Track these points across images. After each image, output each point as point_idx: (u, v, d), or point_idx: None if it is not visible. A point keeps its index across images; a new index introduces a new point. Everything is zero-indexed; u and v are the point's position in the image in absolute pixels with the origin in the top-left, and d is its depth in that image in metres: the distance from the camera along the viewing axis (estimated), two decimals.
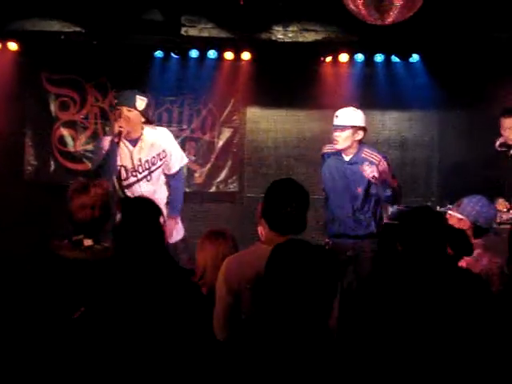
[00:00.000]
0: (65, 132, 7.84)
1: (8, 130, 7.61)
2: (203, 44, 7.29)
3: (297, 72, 7.59)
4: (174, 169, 5.51)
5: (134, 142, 5.28)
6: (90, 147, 7.75)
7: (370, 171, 5.49)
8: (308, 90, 7.59)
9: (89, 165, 7.70)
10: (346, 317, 3.05)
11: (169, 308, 2.80)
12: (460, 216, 4.33)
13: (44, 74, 7.72)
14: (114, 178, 5.25)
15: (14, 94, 7.54)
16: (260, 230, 3.28)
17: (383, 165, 5.50)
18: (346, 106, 5.78)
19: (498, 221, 5.43)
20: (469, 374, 2.84)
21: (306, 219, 3.20)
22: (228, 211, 7.87)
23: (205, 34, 6.84)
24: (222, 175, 8.01)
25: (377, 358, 2.80)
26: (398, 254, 3.17)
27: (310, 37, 6.80)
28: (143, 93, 5.42)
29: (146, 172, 5.29)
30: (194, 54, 7.55)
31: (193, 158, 7.81)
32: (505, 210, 5.78)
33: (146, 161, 5.30)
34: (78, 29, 6.91)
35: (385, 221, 5.87)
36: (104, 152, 5.11)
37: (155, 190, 5.35)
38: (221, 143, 7.98)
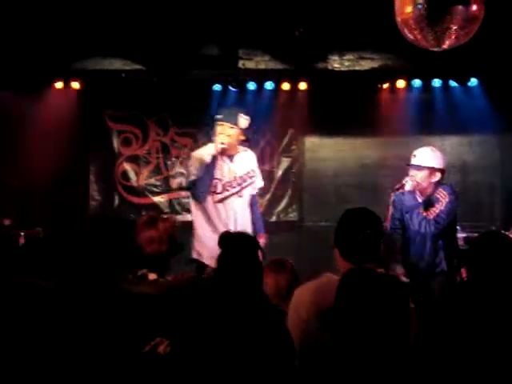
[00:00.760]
0: (128, 167, 8.00)
1: (72, 167, 7.82)
2: (260, 76, 7.39)
3: (354, 100, 7.61)
4: (255, 191, 5.56)
5: (231, 158, 5.34)
6: (152, 181, 7.89)
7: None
8: (365, 117, 7.59)
9: (152, 199, 7.86)
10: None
11: (255, 349, 2.77)
12: None
13: (106, 111, 7.94)
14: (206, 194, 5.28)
15: (78, 132, 7.75)
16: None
17: (444, 201, 5.38)
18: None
19: None
20: None
21: (380, 248, 3.14)
22: (288, 240, 7.88)
23: (261, 66, 6.94)
24: (282, 204, 8.04)
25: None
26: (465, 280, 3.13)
27: (366, 65, 6.83)
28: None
29: (239, 188, 5.32)
30: (251, 86, 7.66)
31: None
32: None
33: (240, 177, 5.33)
34: (138, 66, 7.09)
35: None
36: (204, 167, 5.16)
37: (244, 206, 5.38)
38: (280, 173, 8.03)
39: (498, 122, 7.48)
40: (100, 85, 7.63)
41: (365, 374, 2.24)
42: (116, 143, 8.01)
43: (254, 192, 5.54)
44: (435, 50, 4.99)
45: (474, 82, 7.45)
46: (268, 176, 7.98)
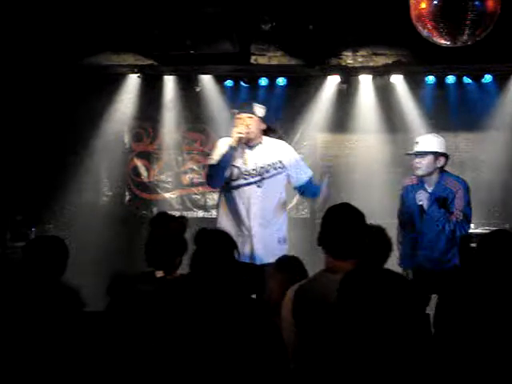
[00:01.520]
0: (139, 163, 8.00)
1: (83, 163, 7.83)
2: (273, 72, 7.36)
3: (366, 96, 7.59)
4: (301, 181, 5.46)
5: (252, 147, 5.30)
6: (163, 177, 7.88)
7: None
8: (378, 113, 7.57)
9: (163, 195, 7.85)
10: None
11: (234, 341, 2.77)
12: None
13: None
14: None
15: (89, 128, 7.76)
16: None
17: (460, 193, 5.36)
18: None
19: None
20: None
21: (362, 243, 3.15)
22: (300, 237, 7.84)
23: (274, 61, 6.90)
24: (294, 201, 8.00)
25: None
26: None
27: (380, 61, 6.78)
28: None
29: (259, 177, 5.26)
30: (263, 81, 7.64)
31: None
32: None
33: (261, 167, 5.28)
34: (150, 62, 7.06)
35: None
36: (223, 153, 5.15)
37: (265, 196, 5.31)
38: None
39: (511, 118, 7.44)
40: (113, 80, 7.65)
41: (371, 374, 2.21)
42: (127, 139, 8.01)
43: (304, 180, 5.33)
44: (450, 46, 4.96)
45: (488, 78, 7.40)
46: None
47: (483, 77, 7.40)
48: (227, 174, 5.16)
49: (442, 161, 5.41)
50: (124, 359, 2.79)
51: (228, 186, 5.20)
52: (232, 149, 5.10)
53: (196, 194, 8.03)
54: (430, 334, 3.13)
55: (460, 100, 7.53)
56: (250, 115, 5.18)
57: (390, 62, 6.74)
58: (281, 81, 7.66)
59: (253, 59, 6.84)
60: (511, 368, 2.81)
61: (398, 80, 7.50)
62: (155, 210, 7.70)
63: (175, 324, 2.83)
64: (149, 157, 8.03)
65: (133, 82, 7.73)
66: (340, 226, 3.12)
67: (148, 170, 8.01)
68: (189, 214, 7.57)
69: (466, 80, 7.47)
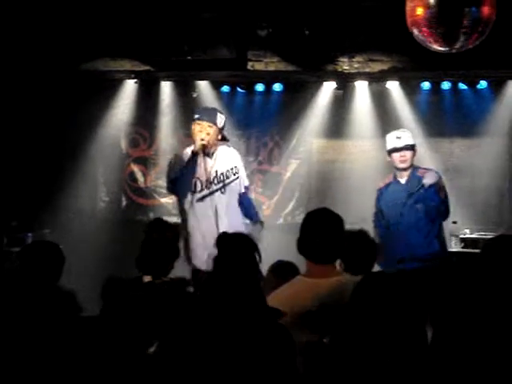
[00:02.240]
0: (135, 168, 8.01)
1: (80, 168, 7.83)
2: (269, 78, 7.39)
3: (362, 102, 7.62)
4: (242, 189, 5.52)
5: (210, 155, 5.34)
6: (160, 183, 7.90)
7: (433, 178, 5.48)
8: (373, 119, 7.60)
9: (160, 200, 7.85)
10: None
11: (249, 350, 2.76)
12: None
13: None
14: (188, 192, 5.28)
15: (86, 133, 7.77)
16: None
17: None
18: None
19: None
20: None
21: (341, 247, 3.20)
22: (295, 243, 7.85)
23: (271, 67, 6.92)
24: (290, 207, 8.01)
25: None
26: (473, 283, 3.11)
27: (376, 67, 6.80)
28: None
29: (221, 184, 5.30)
30: (260, 87, 7.67)
31: (260, 190, 7.86)
32: None
33: (222, 173, 5.31)
34: (146, 67, 7.08)
35: None
36: (183, 165, 5.18)
37: (229, 202, 5.35)
38: (288, 175, 8.00)
39: (507, 124, 7.46)
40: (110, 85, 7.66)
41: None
42: (124, 144, 8.01)
43: (243, 190, 5.49)
44: (445, 52, 4.99)
45: (483, 84, 7.42)
46: (276, 178, 7.97)
47: (478, 83, 7.42)
48: (190, 187, 5.20)
49: (415, 153, 5.68)
50: (116, 363, 2.78)
51: (192, 200, 5.23)
52: (194, 155, 5.14)
53: None
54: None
55: (455, 106, 7.55)
56: (211, 124, 5.24)
57: (386, 68, 6.77)
58: (277, 87, 7.69)
59: (249, 65, 6.86)
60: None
61: (393, 86, 7.53)
62: (152, 216, 7.70)
63: (191, 331, 2.81)
64: (145, 162, 8.04)
65: (130, 87, 7.74)
66: (318, 230, 3.17)
67: (145, 175, 8.02)
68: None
69: (462, 86, 7.49)
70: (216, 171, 5.28)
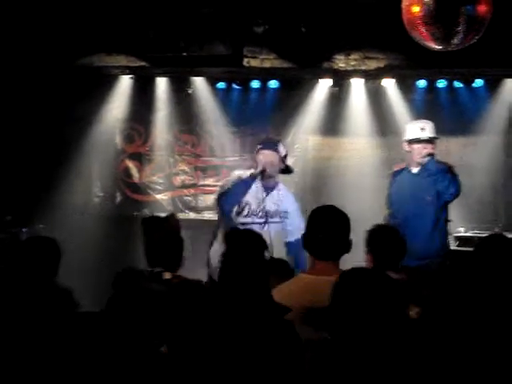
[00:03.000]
0: (130, 164, 8.00)
1: (75, 164, 7.82)
2: (265, 74, 7.38)
3: (358, 99, 7.62)
4: (293, 237, 5.35)
5: (269, 190, 5.35)
6: (154, 179, 7.89)
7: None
8: (369, 116, 7.61)
9: (155, 196, 7.85)
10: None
11: (257, 348, 2.75)
12: None
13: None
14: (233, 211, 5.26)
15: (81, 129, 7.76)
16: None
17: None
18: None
19: None
20: None
21: (346, 244, 3.20)
22: None
23: (266, 64, 6.91)
24: None
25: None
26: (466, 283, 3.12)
27: (372, 64, 6.80)
28: None
29: (263, 219, 5.32)
30: (255, 84, 7.66)
31: None
32: None
33: (268, 211, 5.34)
34: (142, 63, 7.06)
35: None
36: (240, 181, 5.18)
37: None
38: None
39: (503, 122, 7.47)
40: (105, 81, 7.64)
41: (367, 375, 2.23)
42: (119, 140, 8.00)
43: (288, 239, 5.36)
44: (441, 49, 4.98)
45: (479, 82, 7.43)
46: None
47: (474, 81, 7.43)
48: (238, 208, 5.21)
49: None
50: (123, 356, 2.77)
51: (233, 221, 5.23)
52: (253, 178, 5.15)
53: (187, 195, 8.03)
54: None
55: (451, 104, 7.56)
56: (273, 152, 5.28)
57: (381, 65, 6.77)
58: (273, 83, 7.68)
59: (245, 61, 6.85)
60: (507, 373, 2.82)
61: (389, 84, 7.53)
62: (146, 212, 7.70)
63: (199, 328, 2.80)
64: (140, 158, 8.03)
65: (125, 83, 7.73)
66: (321, 227, 3.17)
67: (139, 171, 8.01)
68: (180, 216, 7.55)
69: (457, 84, 7.50)
70: (265, 206, 5.30)
